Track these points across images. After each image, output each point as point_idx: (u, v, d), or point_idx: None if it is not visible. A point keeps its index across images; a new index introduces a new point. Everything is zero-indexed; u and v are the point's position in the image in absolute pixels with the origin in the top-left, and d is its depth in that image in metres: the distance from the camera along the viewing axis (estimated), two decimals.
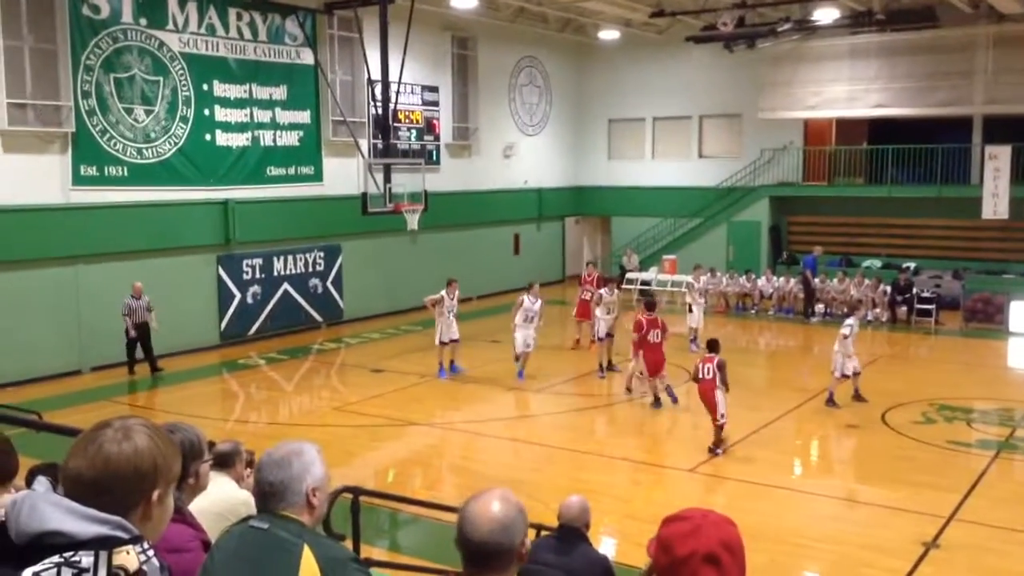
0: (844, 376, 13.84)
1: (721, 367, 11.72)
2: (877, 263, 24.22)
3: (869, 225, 25.31)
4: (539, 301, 15.92)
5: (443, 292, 16.27)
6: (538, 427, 13.10)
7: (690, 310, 18.75)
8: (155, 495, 1.89)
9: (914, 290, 21.84)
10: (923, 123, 24.82)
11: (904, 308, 21.61)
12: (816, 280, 22.18)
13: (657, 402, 13.90)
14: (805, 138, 26.69)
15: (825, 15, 21.82)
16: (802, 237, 26.74)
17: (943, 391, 14.76)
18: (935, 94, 23.58)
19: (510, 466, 11.53)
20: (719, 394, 11.61)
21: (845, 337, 13.72)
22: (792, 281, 23.09)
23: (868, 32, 23.55)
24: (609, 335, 16.41)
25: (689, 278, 19.41)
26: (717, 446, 11.68)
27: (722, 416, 11.60)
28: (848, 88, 24.59)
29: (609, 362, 16.44)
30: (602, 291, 16.69)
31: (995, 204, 22.46)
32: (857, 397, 14.03)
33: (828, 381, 14.05)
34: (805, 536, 9.09)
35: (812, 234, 26.43)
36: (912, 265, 23.39)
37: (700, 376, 11.88)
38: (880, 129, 26.13)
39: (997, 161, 22.41)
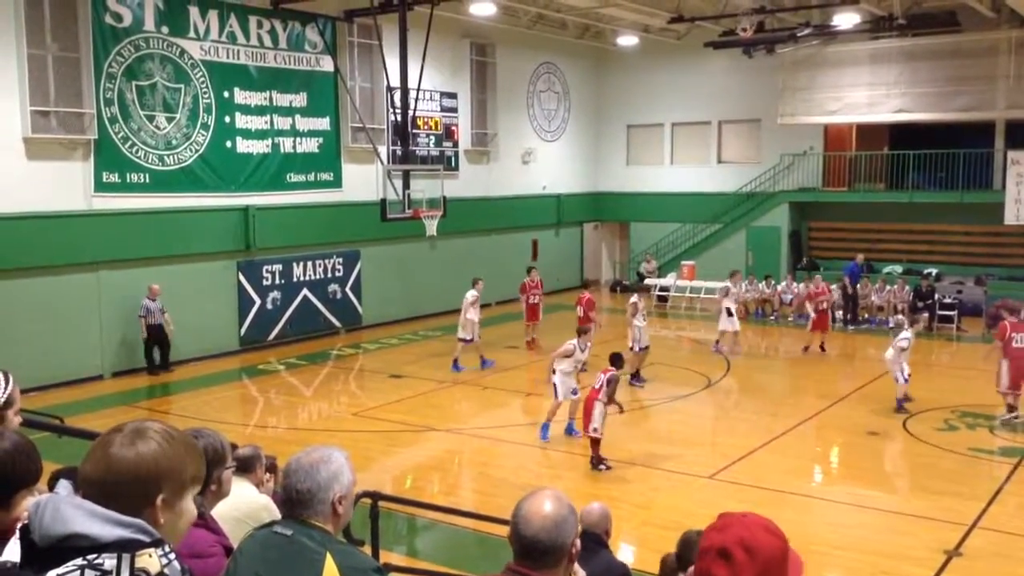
0: (907, 379, 13.93)
1: (611, 381, 11.37)
2: (898, 269, 24.05)
3: (890, 231, 25.14)
4: (589, 347, 13.39)
5: (475, 293, 17.33)
6: (557, 433, 13.08)
7: (729, 314, 18.60)
8: (159, 500, 1.89)
9: (936, 296, 21.66)
10: (945, 128, 24.66)
11: (926, 314, 21.43)
12: (856, 287, 22.00)
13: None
14: (825, 143, 26.57)
15: (845, 20, 21.72)
16: (822, 243, 26.61)
17: (965, 398, 14.62)
18: (957, 99, 23.40)
19: (529, 472, 11.51)
20: (599, 406, 11.21)
21: (903, 350, 13.96)
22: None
23: (889, 37, 23.42)
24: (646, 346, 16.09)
25: (727, 283, 19.42)
26: (600, 461, 11.30)
27: (595, 430, 11.21)
28: (869, 93, 24.45)
29: (638, 372, 16.15)
30: (635, 299, 16.18)
31: (1018, 210, 22.26)
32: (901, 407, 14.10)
33: (846, 388, 13.95)
34: (826, 544, 9.02)
35: (832, 240, 26.32)
36: (934, 271, 23.21)
37: (595, 384, 11.56)
38: (901, 134, 25.97)
39: (1020, 166, 22.21)
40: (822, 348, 18.93)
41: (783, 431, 13.03)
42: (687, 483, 10.96)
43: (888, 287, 22.31)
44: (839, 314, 22.07)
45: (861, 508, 10.17)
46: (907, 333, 14.33)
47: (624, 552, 8.76)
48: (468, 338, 17.15)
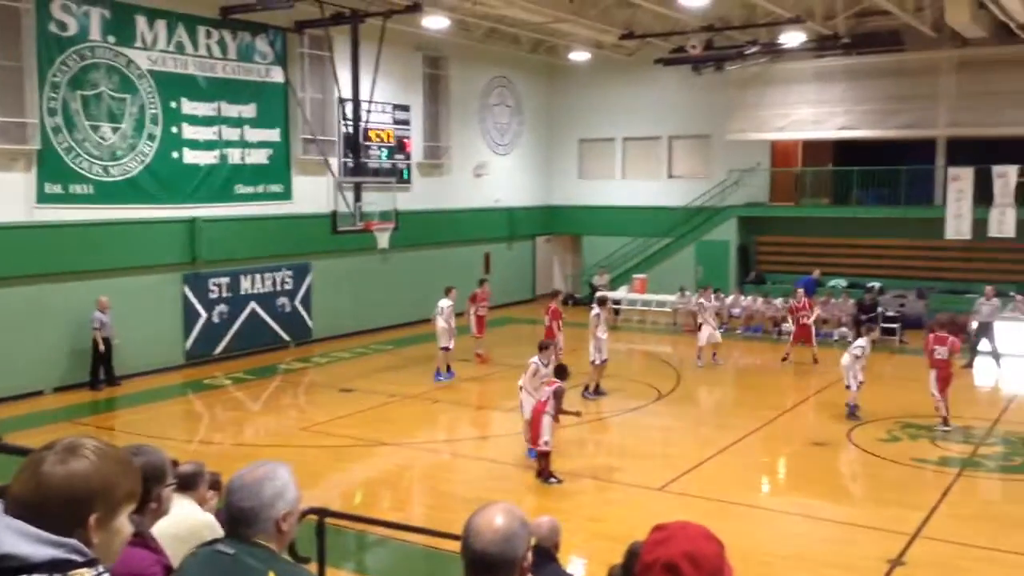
0: (859, 384, 14.37)
1: (557, 395, 11.40)
2: (843, 282, 24.50)
3: (835, 245, 25.61)
4: (553, 361, 13.04)
5: (450, 301, 17.71)
6: (509, 447, 13.06)
7: (699, 328, 19.21)
8: (92, 519, 1.85)
9: (879, 309, 22.10)
10: (888, 145, 25.23)
11: (876, 326, 21.83)
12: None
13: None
14: (772, 159, 27.03)
15: (791, 39, 22.14)
16: (770, 257, 27.01)
17: (908, 409, 14.91)
18: (899, 117, 23.98)
19: (481, 486, 11.47)
20: (546, 419, 11.23)
21: (857, 357, 14.39)
22: (760, 300, 23.27)
23: (834, 55, 23.92)
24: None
25: (701, 299, 20.27)
26: (549, 475, 11.31)
27: (546, 443, 11.24)
28: (814, 110, 24.95)
29: (597, 385, 16.13)
30: (597, 310, 16.06)
31: (958, 225, 22.84)
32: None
33: (793, 399, 14.16)
34: (772, 554, 9.12)
35: (780, 254, 26.73)
36: (877, 285, 23.67)
37: (540, 396, 11.59)
38: (846, 151, 26.52)
39: (960, 183, 22.80)
40: (815, 360, 19.12)
41: (731, 442, 13.17)
42: (638, 495, 11.00)
43: (833, 300, 22.73)
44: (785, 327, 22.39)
45: (806, 518, 10.31)
46: (862, 341, 14.79)
47: (575, 565, 8.77)
48: (449, 346, 17.47)
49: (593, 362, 15.84)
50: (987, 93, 22.75)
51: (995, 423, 14.34)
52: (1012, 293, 20.92)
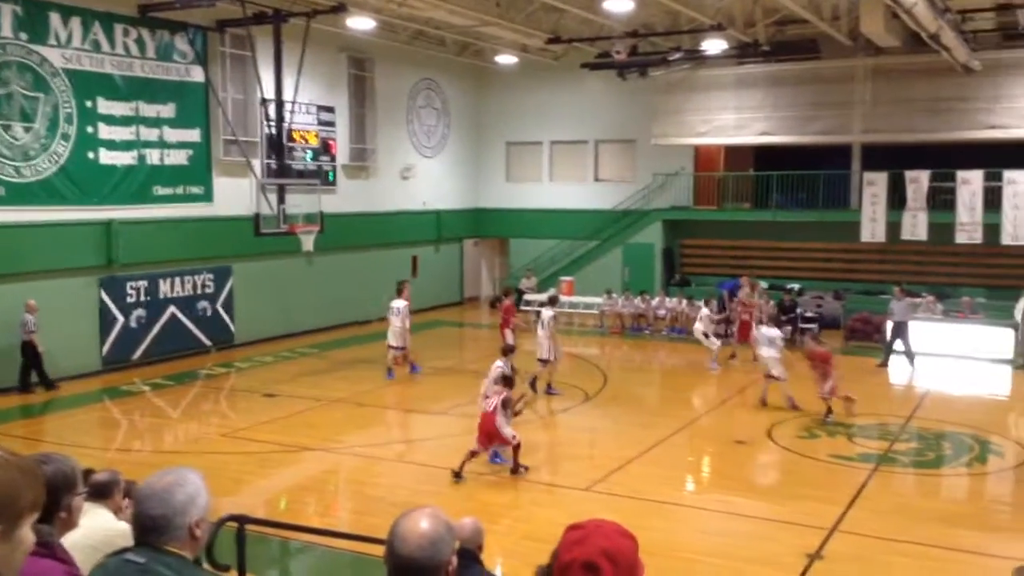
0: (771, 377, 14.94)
1: (506, 403, 11.60)
2: (764, 284, 25.02)
3: (756, 248, 26.18)
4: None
5: (404, 301, 17.63)
6: (437, 450, 13.01)
7: (706, 336, 19.06)
8: None
9: (798, 310, 22.67)
10: (806, 150, 25.91)
11: (789, 327, 22.37)
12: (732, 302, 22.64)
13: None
14: (696, 164, 27.49)
15: (713, 46, 22.56)
16: (694, 259, 27.49)
17: (825, 407, 15.30)
18: (817, 123, 24.64)
19: (408, 489, 11.39)
20: (500, 419, 11.38)
21: (773, 341, 15.25)
22: (684, 302, 23.62)
23: (754, 63, 24.47)
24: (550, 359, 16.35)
25: (704, 311, 19.85)
26: (519, 467, 11.57)
27: (513, 437, 11.45)
28: (736, 116, 25.47)
29: (530, 381, 16.28)
30: (552, 312, 16.59)
31: (873, 228, 23.57)
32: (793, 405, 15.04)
33: (717, 399, 14.41)
34: (695, 551, 9.27)
35: (703, 256, 27.22)
36: (796, 286, 24.27)
37: (483, 407, 11.70)
38: (766, 156, 27.16)
39: (875, 187, 23.54)
40: (755, 358, 19.29)
41: (657, 442, 13.34)
42: (564, 496, 11.07)
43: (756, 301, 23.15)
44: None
45: (728, 515, 10.50)
46: (780, 332, 15.61)
47: (503, 567, 8.78)
48: (399, 345, 17.52)
49: (547, 360, 16.24)
50: (900, 100, 23.53)
51: (908, 420, 14.82)
52: (924, 294, 21.66)
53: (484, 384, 12.57)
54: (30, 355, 16.05)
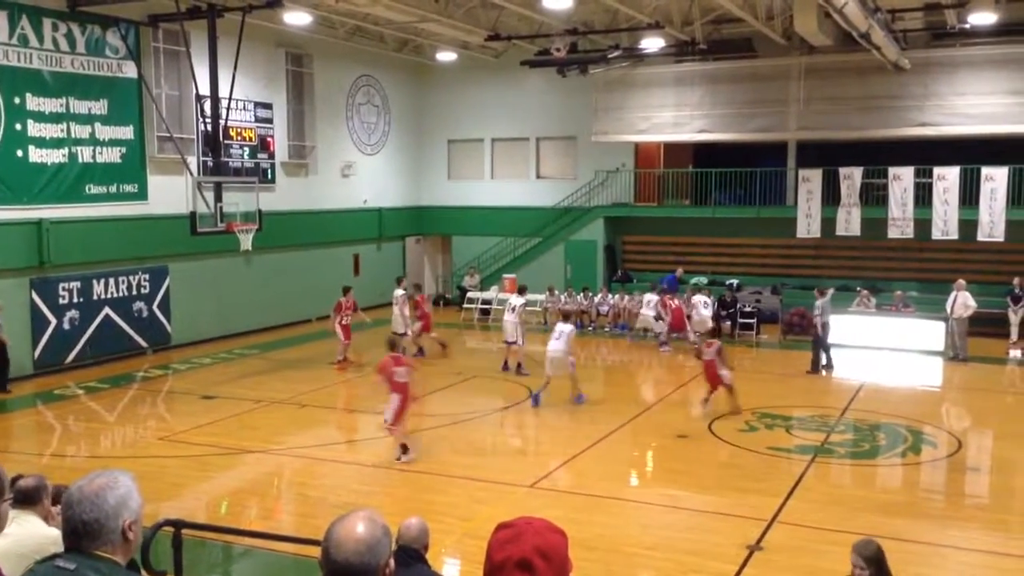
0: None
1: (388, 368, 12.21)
2: (704, 280, 25.38)
3: (696, 244, 26.52)
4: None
5: (403, 290, 19.71)
6: (380, 449, 12.91)
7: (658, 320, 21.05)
8: None
9: (737, 305, 23.02)
10: (743, 148, 26.32)
11: (728, 323, 22.74)
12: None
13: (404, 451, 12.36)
14: (636, 161, 27.74)
15: (651, 44, 22.79)
16: (635, 256, 27.72)
17: (764, 400, 15.57)
18: (753, 121, 25.04)
19: (351, 490, 11.30)
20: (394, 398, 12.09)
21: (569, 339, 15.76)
22: (627, 298, 23.79)
23: (692, 61, 24.77)
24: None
25: (650, 296, 21.88)
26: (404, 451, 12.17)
27: (386, 420, 12.16)
28: (674, 114, 25.74)
29: (520, 365, 17.95)
30: (518, 299, 18.59)
31: (808, 224, 24.04)
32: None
33: (659, 393, 14.51)
34: (638, 545, 9.35)
35: (645, 253, 27.47)
36: (735, 282, 24.65)
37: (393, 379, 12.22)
38: (704, 153, 27.51)
39: (810, 184, 24.01)
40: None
41: (600, 437, 13.43)
42: (508, 493, 11.07)
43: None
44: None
45: (671, 508, 10.62)
46: (567, 326, 15.70)
47: (447, 566, 8.75)
48: (403, 332, 18.55)
49: (514, 342, 17.93)
50: (834, 98, 24.02)
51: (844, 411, 15.14)
52: (858, 288, 22.15)
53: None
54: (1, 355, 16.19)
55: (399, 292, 19.79)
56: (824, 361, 18.39)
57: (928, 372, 19.20)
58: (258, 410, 15.21)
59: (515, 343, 18.01)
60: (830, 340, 18.40)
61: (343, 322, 18.89)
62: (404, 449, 12.15)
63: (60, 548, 3.90)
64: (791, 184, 25.20)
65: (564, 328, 15.53)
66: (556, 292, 24.65)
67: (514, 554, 2.03)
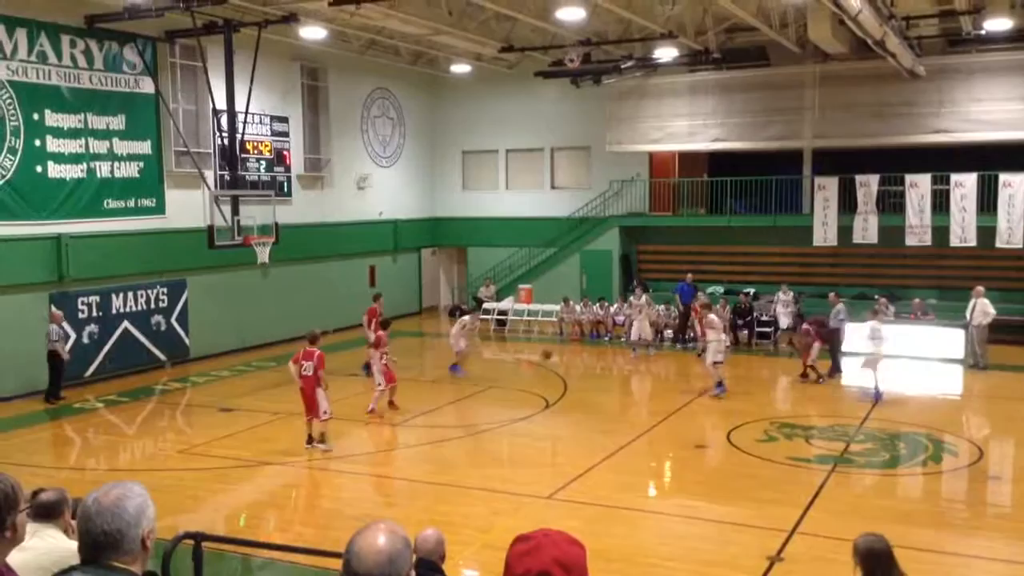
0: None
1: (322, 361, 12.89)
2: (720, 289, 25.29)
3: (712, 253, 26.43)
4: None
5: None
6: (397, 461, 12.93)
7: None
8: None
9: (754, 314, 22.91)
10: (758, 156, 26.23)
11: (745, 331, 22.63)
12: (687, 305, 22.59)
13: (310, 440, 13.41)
14: (651, 170, 27.70)
15: (665, 53, 22.78)
16: (651, 265, 27.66)
17: (783, 410, 15.50)
18: (768, 129, 24.99)
19: (369, 502, 11.32)
20: (320, 392, 12.76)
21: (471, 330, 18.59)
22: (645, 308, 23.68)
23: (705, 70, 24.75)
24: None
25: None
26: (321, 440, 12.98)
27: (325, 412, 12.79)
28: (688, 123, 25.72)
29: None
30: (467, 319, 19.28)
31: (825, 232, 23.93)
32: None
33: (677, 403, 14.46)
34: (656, 556, 9.29)
35: (660, 262, 27.41)
36: (752, 290, 24.55)
37: (301, 373, 12.93)
38: (719, 162, 27.44)
39: (826, 191, 23.90)
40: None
41: (617, 448, 13.38)
42: (527, 504, 11.05)
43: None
44: (668, 332, 23.03)
45: (689, 519, 10.56)
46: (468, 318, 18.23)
47: None
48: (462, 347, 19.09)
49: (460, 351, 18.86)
50: (849, 106, 23.96)
51: (864, 421, 15.01)
52: (876, 296, 22.01)
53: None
54: (55, 365, 16.55)
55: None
56: (834, 366, 18.40)
57: (948, 380, 19.03)
58: (276, 422, 15.24)
59: (460, 351, 18.94)
60: (845, 347, 18.38)
61: (384, 361, 16.27)
62: (311, 440, 13.08)
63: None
64: (807, 192, 25.09)
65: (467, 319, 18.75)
66: (571, 302, 24.62)
67: (533, 567, 2.02)
